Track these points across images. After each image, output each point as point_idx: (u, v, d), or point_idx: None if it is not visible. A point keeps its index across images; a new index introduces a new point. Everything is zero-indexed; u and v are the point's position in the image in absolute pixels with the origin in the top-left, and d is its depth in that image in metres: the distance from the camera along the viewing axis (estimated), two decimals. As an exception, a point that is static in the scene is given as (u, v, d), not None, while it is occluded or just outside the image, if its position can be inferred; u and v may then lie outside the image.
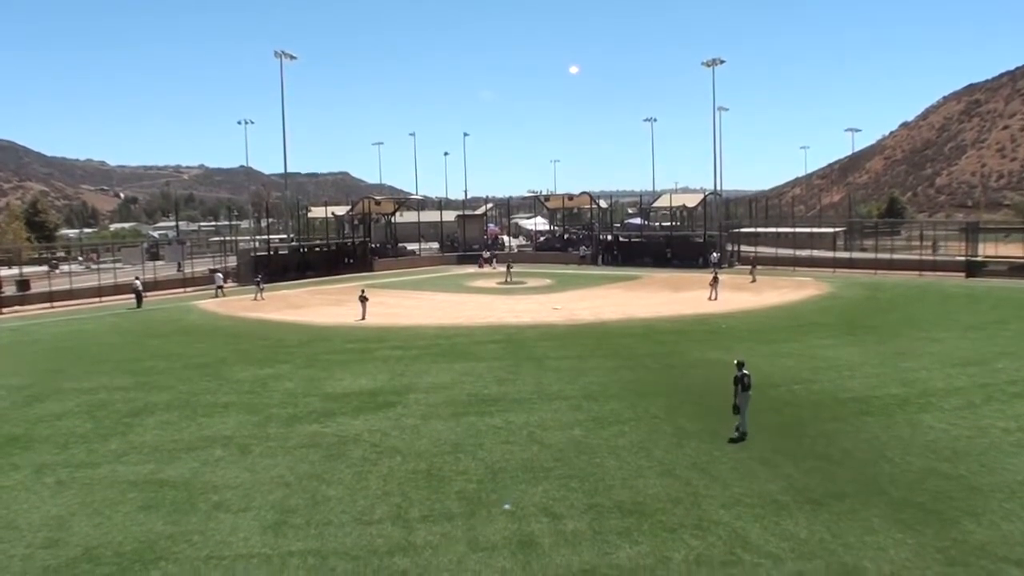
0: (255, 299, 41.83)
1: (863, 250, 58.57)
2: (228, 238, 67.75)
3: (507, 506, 11.89)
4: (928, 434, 15.00)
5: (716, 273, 41.32)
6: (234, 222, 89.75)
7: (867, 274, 48.13)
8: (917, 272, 47.30)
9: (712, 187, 76.29)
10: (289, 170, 78.75)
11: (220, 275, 46.84)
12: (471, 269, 57.20)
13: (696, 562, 9.90)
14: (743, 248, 58.59)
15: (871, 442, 14.61)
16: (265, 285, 43.88)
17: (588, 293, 42.68)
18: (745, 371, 15.16)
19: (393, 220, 71.86)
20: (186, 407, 18.51)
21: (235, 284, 49.70)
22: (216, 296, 43.91)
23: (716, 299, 37.04)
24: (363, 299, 34.41)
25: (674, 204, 68.10)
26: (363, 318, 33.05)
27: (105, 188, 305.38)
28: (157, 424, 17.08)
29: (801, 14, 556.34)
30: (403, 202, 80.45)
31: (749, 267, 49.75)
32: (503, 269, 52.82)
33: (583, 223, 76.49)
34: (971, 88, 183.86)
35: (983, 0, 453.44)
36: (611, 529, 10.92)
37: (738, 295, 39.29)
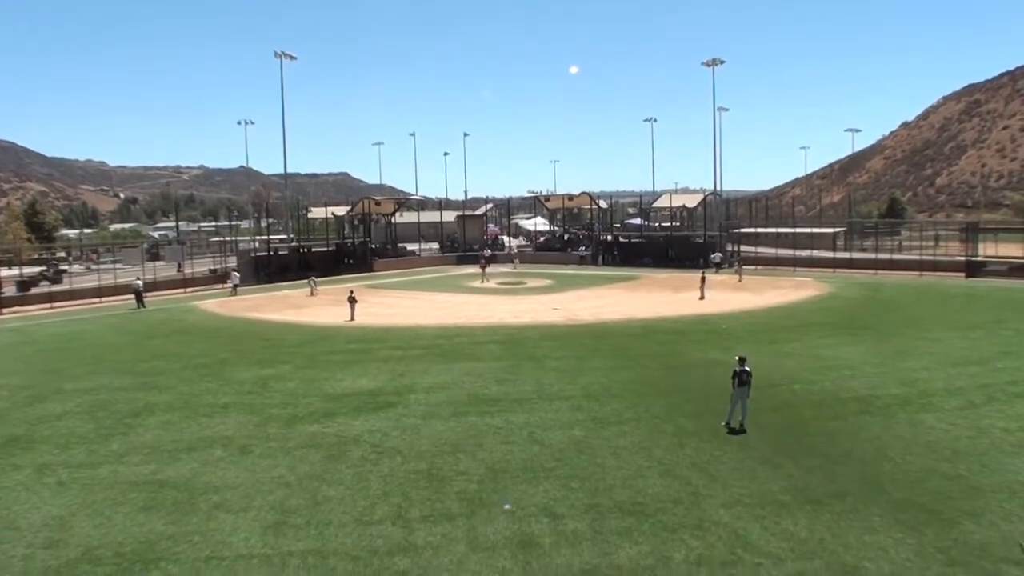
0: (311, 294, 43.73)
1: (863, 250, 58.58)
2: (228, 238, 67.76)
3: (507, 506, 11.91)
4: (929, 434, 15.01)
5: (704, 274, 41.97)
6: (234, 222, 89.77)
7: (867, 274, 48.14)
8: (917, 272, 47.29)
9: (712, 187, 76.43)
10: (289, 170, 78.88)
11: (236, 274, 48.00)
12: (471, 269, 57.16)
13: (697, 562, 9.90)
14: (743, 248, 58.67)
15: (872, 442, 14.61)
16: (266, 285, 44.12)
17: (588, 293, 42.68)
18: (745, 367, 15.32)
19: (393, 220, 71.85)
20: (186, 407, 18.52)
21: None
22: (232, 295, 44.91)
23: (703, 298, 37.60)
24: (352, 300, 34.39)
25: (674, 204, 68.09)
26: (351, 319, 33.08)
27: (105, 188, 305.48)
28: (158, 424, 17.09)
29: (801, 14, 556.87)
30: (403, 202, 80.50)
31: (736, 266, 50.12)
32: (509, 268, 52.80)
33: (583, 223, 76.50)
34: (971, 88, 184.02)
35: (983, 0, 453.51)
36: (611, 529, 10.92)
37: (738, 295, 39.32)
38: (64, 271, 55.10)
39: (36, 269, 52.00)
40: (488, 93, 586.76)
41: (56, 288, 46.15)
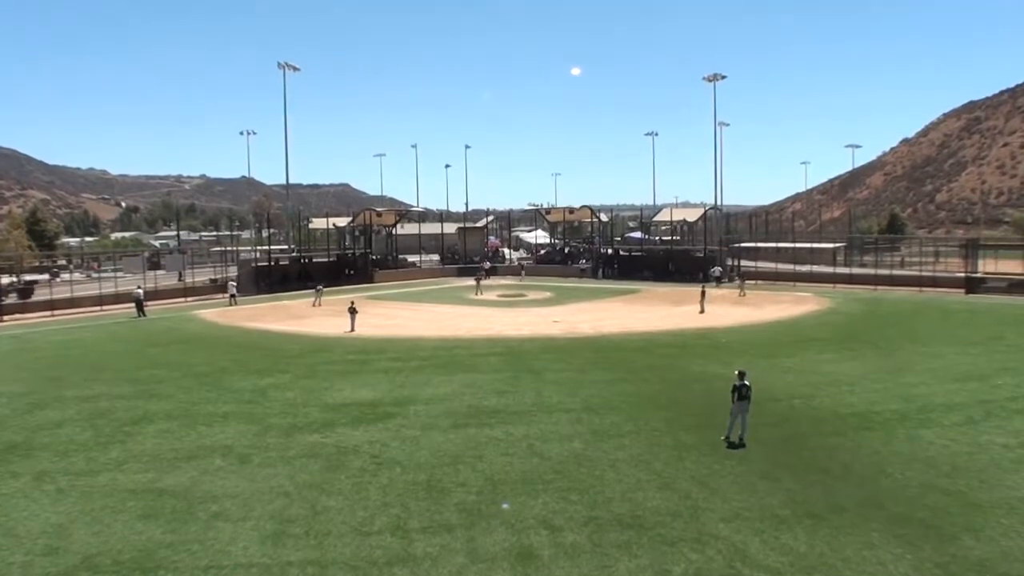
0: (315, 304, 43.54)
1: (863, 266, 58.68)
2: (229, 248, 67.91)
3: (505, 505, 11.94)
4: (928, 450, 15.01)
5: (703, 287, 42.15)
6: (235, 232, 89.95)
7: (867, 290, 48.19)
8: (917, 288, 47.37)
9: (713, 201, 76.72)
10: (291, 181, 79.24)
11: (233, 284, 48.08)
12: (472, 281, 57.36)
13: None
14: (743, 263, 58.80)
15: (871, 457, 14.62)
16: (267, 295, 44.10)
17: (588, 306, 42.71)
18: (745, 381, 15.37)
19: (394, 232, 72.04)
20: (186, 416, 18.52)
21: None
22: (230, 304, 44.96)
23: (702, 312, 37.67)
24: (352, 311, 34.39)
25: (675, 218, 68.30)
26: (352, 330, 33.08)
27: (107, 197, 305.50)
28: (157, 433, 17.09)
29: (802, 30, 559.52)
30: (404, 214, 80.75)
31: (738, 280, 50.25)
32: (514, 280, 52.79)
33: (584, 236, 76.72)
34: (971, 105, 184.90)
35: (984, 17, 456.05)
36: (610, 542, 10.92)
37: (738, 309, 39.35)
38: (35, 284, 52.93)
39: (5, 280, 50.57)
40: (488, 95, 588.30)
41: (56, 296, 46.08)
